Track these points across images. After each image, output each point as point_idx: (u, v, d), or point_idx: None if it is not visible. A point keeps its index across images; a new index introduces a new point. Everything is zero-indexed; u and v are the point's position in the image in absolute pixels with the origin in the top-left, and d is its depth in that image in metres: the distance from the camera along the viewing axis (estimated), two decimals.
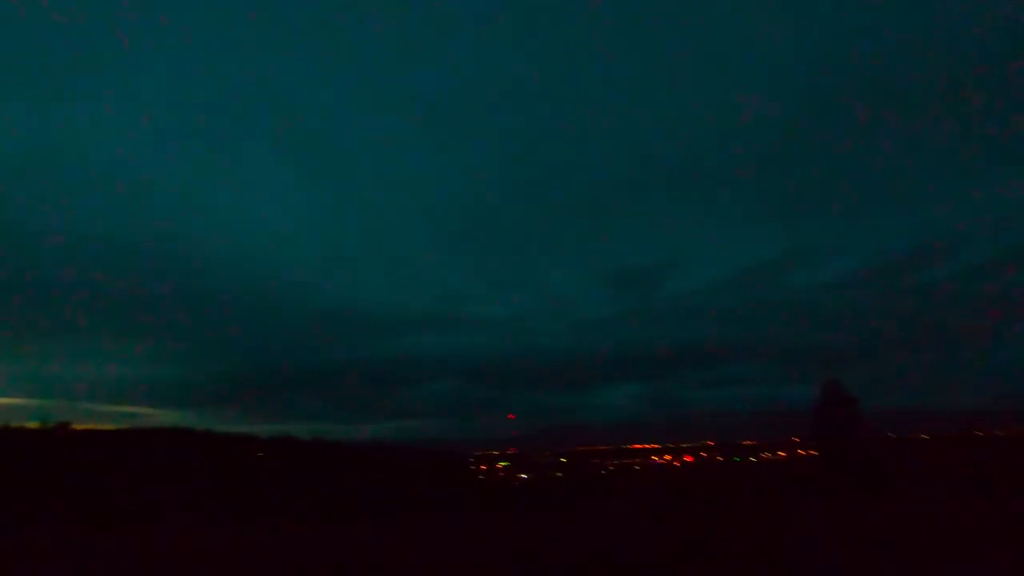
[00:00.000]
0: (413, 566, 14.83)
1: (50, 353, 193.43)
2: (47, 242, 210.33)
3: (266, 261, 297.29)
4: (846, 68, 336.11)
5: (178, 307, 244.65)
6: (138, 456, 41.17)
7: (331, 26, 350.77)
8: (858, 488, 35.60)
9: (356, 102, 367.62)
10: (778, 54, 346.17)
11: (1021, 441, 75.10)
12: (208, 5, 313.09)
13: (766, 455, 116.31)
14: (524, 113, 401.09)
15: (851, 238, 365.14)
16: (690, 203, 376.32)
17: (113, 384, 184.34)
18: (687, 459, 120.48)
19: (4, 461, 35.18)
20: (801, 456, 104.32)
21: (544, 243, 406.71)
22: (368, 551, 18.03)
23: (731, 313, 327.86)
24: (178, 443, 48.54)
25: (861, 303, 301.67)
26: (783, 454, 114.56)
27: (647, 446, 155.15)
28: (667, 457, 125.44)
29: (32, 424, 49.94)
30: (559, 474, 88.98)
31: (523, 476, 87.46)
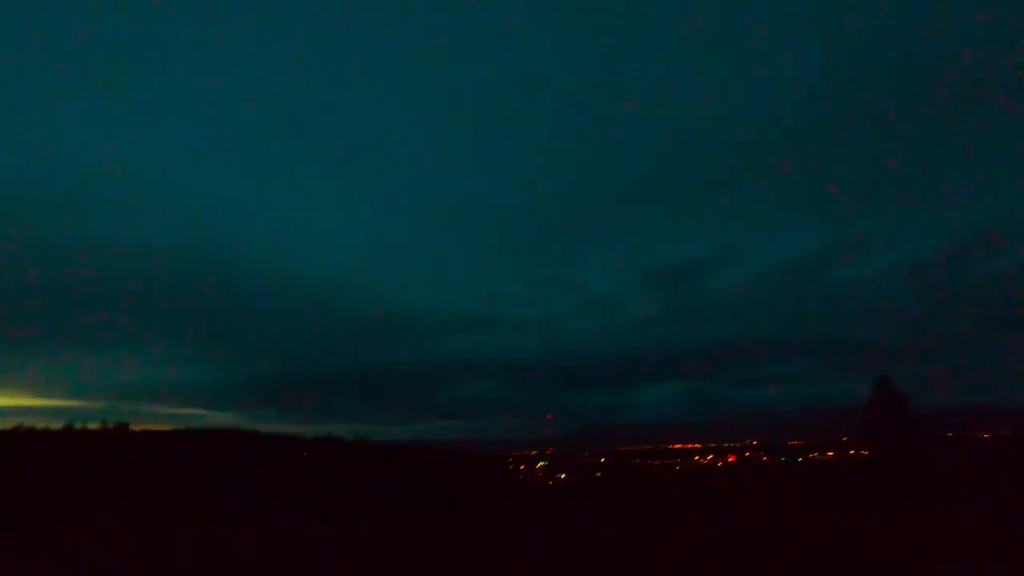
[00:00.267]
0: (464, 564, 14.92)
1: (110, 359, 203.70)
2: (106, 253, 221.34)
3: (310, 267, 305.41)
4: (888, 59, 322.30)
5: (228, 313, 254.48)
6: (191, 455, 42.81)
7: (371, 37, 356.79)
8: (911, 491, 34.05)
9: (396, 108, 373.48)
10: (819, 45, 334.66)
11: None
12: (251, 20, 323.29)
13: (814, 455, 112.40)
14: (559, 113, 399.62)
15: (900, 230, 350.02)
16: (730, 198, 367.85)
17: (168, 387, 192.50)
18: (731, 459, 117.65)
19: (70, 459, 37.13)
20: (851, 457, 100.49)
21: (581, 243, 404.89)
22: (417, 548, 18.25)
23: (775, 309, 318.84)
24: (228, 443, 50.39)
25: (914, 296, 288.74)
26: (832, 454, 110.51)
27: (689, 446, 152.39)
28: (710, 457, 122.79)
29: (94, 425, 52.85)
30: (598, 474, 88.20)
31: (562, 476, 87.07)
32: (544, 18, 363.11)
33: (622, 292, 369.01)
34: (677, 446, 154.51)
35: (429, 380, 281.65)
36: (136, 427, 52.65)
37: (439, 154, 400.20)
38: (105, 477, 36.94)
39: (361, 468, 53.90)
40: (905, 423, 44.10)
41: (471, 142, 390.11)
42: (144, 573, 15.24)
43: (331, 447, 61.59)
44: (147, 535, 24.50)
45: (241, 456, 45.96)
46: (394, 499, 42.40)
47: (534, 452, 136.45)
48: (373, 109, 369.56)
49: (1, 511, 29.69)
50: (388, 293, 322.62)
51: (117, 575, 15.11)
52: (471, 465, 75.88)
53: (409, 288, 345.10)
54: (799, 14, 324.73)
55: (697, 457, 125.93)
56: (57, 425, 49.04)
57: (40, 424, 49.27)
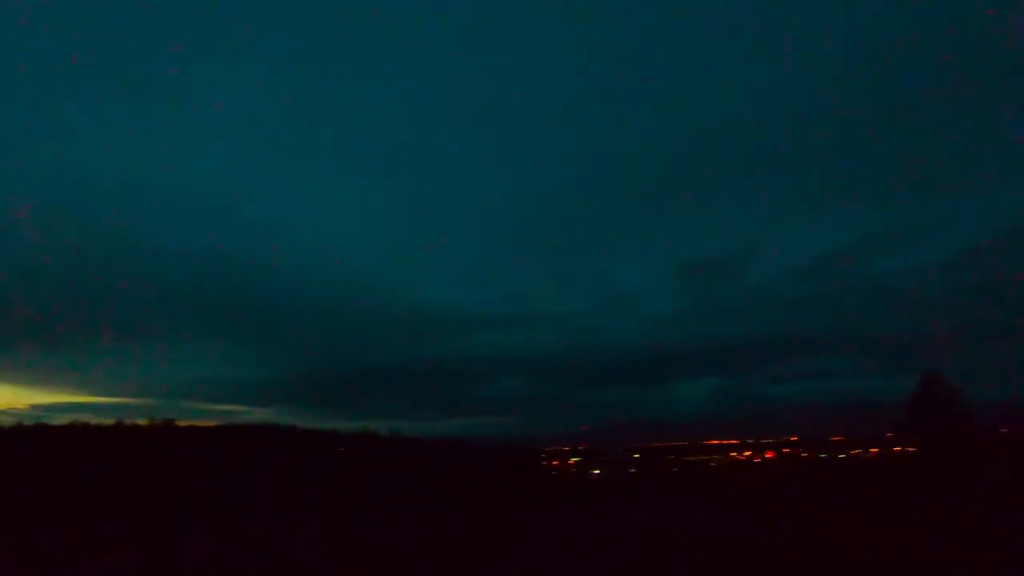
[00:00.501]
0: (513, 558, 15.06)
1: (158, 357, 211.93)
2: (155, 261, 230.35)
3: (345, 268, 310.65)
4: (936, 41, 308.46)
5: (267, 315, 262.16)
6: (233, 449, 44.16)
7: (393, 42, 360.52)
8: (959, 490, 32.74)
9: (420, 109, 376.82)
10: (859, 31, 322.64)
11: None
12: (282, 27, 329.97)
13: (856, 452, 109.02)
14: (587, 108, 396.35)
15: (947, 219, 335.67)
16: (764, 190, 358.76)
17: (211, 385, 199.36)
18: (768, 455, 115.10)
19: (120, 453, 38.78)
20: (896, 454, 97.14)
21: (610, 238, 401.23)
22: (461, 543, 18.48)
23: (813, 302, 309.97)
24: (268, 438, 51.90)
25: (962, 287, 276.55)
26: (876, 451, 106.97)
27: (725, 442, 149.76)
28: (747, 453, 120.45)
29: (143, 421, 55.18)
30: (633, 470, 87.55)
31: (596, 472, 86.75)
32: (569, 11, 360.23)
33: (652, 287, 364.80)
34: (713, 442, 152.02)
35: (462, 377, 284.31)
36: (181, 423, 54.92)
37: (467, 154, 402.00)
38: (152, 470, 38.55)
39: (395, 463, 54.74)
40: (954, 418, 42.37)
41: (498, 141, 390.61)
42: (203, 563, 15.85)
43: (366, 442, 62.78)
44: (197, 528, 25.44)
45: (279, 451, 47.33)
46: (428, 495, 42.90)
47: (567, 448, 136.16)
48: (401, 112, 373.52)
49: (60, 502, 31.26)
50: (421, 292, 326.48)
51: (176, 567, 15.76)
52: (505, 461, 76.23)
53: (441, 287, 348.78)
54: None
55: (733, 453, 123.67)
56: (109, 421, 51.65)
57: (94, 420, 51.91)
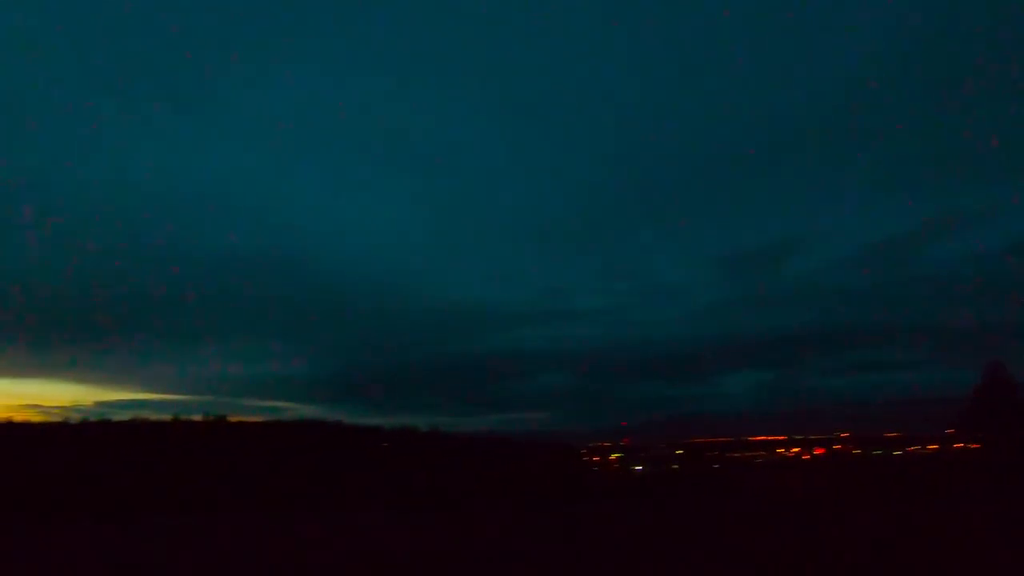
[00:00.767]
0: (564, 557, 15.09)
1: (210, 356, 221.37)
2: (204, 262, 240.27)
3: (385, 266, 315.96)
4: (992, 17, 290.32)
5: (312, 313, 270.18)
6: (281, 444, 45.71)
7: (427, 40, 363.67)
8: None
9: (454, 102, 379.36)
10: (912, 5, 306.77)
11: None
12: (312, 34, 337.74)
13: (914, 448, 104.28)
14: (624, 98, 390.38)
15: (1009, 204, 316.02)
16: (812, 176, 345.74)
17: (260, 382, 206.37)
18: (818, 452, 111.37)
19: (175, 448, 40.68)
20: (957, 450, 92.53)
21: (649, 228, 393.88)
22: (507, 539, 18.62)
23: (866, 292, 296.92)
24: (314, 433, 53.52)
25: None
26: (935, 447, 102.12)
27: (771, 438, 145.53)
28: (795, 450, 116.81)
29: (197, 417, 57.66)
30: (675, 467, 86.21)
31: (638, 468, 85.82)
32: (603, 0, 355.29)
33: (695, 279, 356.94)
34: (758, 438, 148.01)
35: (502, 372, 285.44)
36: (232, 418, 57.17)
37: (504, 148, 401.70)
38: (206, 464, 40.37)
39: (438, 458, 55.52)
40: (1019, 412, 40.06)
41: (536, 134, 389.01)
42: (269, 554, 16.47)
43: (408, 438, 63.93)
44: (255, 518, 26.44)
45: (324, 445, 48.73)
46: (470, 490, 43.32)
47: (608, 443, 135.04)
48: (436, 106, 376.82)
49: (122, 494, 33.01)
50: (460, 288, 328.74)
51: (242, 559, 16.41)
52: (545, 456, 76.31)
53: (481, 283, 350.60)
54: None
55: (781, 450, 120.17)
56: (167, 417, 54.24)
57: (153, 416, 54.64)
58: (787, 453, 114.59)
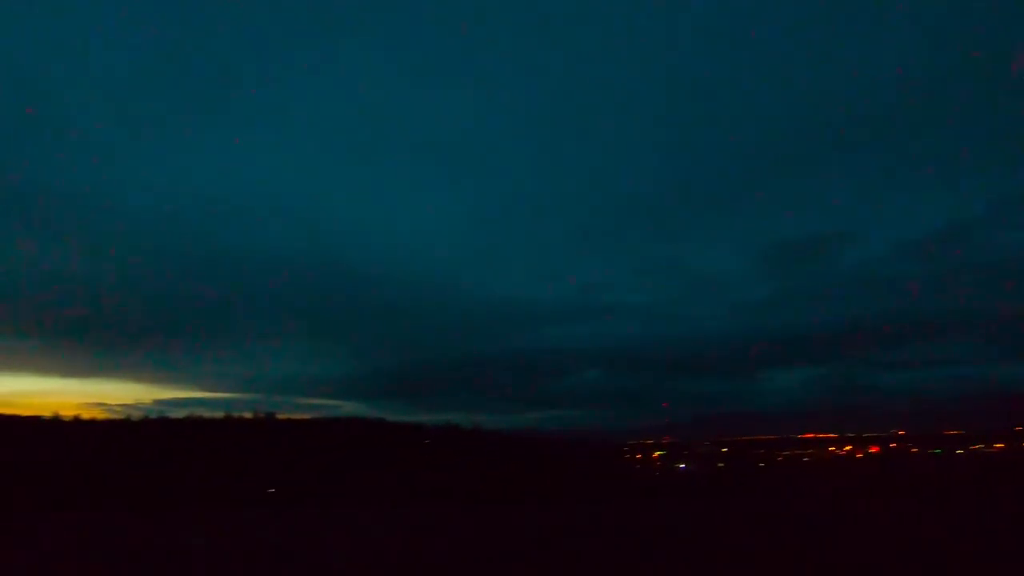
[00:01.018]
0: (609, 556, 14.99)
1: (260, 356, 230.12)
2: (253, 265, 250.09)
3: (424, 264, 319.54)
4: None
5: (355, 313, 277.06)
6: (326, 440, 46.93)
7: (463, 38, 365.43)
8: None
9: (490, 100, 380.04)
10: None
11: None
12: (356, 37, 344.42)
13: (977, 447, 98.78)
14: (662, 86, 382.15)
15: None
16: (863, 162, 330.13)
17: (306, 381, 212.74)
18: (873, 451, 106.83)
19: (228, 443, 42.28)
20: None
21: (691, 222, 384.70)
22: (551, 535, 18.61)
23: (924, 282, 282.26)
24: (358, 430, 54.74)
25: None
26: (1001, 445, 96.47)
27: (822, 436, 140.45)
28: (847, 448, 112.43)
29: (248, 414, 59.91)
30: (720, 465, 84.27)
31: (681, 467, 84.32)
32: None
33: (739, 272, 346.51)
34: (808, 436, 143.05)
35: (543, 370, 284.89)
36: (281, 416, 59.24)
37: (538, 144, 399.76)
38: (257, 458, 41.88)
39: (479, 455, 55.92)
40: None
41: (570, 128, 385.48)
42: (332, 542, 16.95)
43: (450, 435, 64.61)
44: (306, 510, 27.23)
45: (369, 442, 49.78)
46: (515, 486, 43.45)
47: (650, 441, 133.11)
48: (473, 104, 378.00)
49: (180, 486, 34.56)
50: (499, 287, 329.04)
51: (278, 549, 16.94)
52: (587, 453, 75.85)
53: (520, 280, 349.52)
54: None
55: (832, 448, 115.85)
56: (220, 414, 56.55)
57: (207, 413, 57.07)
58: (839, 452, 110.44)
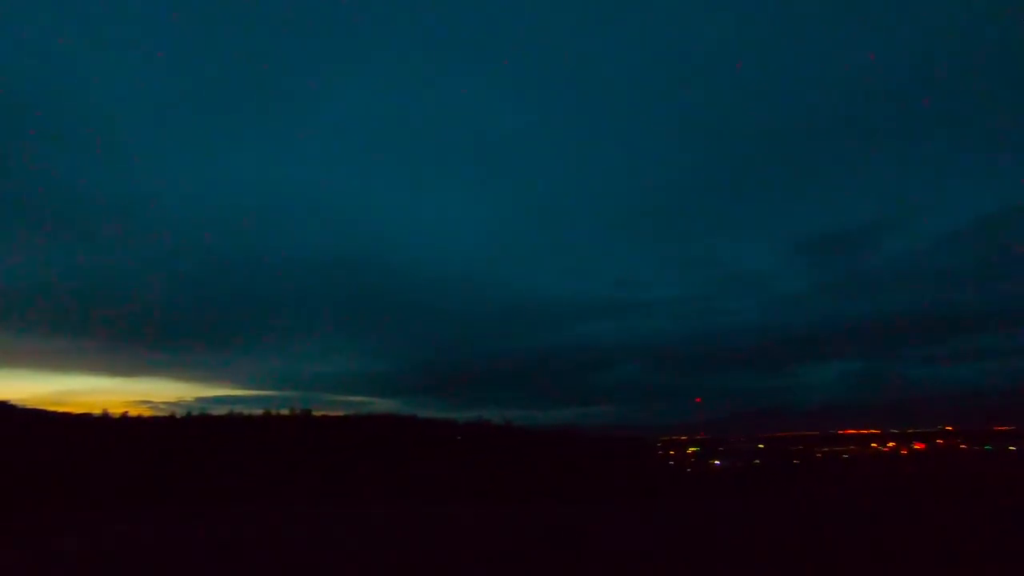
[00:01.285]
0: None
1: (296, 354, 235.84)
2: (288, 266, 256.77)
3: (456, 262, 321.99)
4: None
5: (388, 312, 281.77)
6: (360, 436, 47.65)
7: (497, 35, 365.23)
8: None
9: (521, 94, 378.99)
10: None
11: None
12: (389, 43, 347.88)
13: None
14: (697, 73, 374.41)
15: None
16: (906, 149, 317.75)
17: (341, 378, 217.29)
18: (918, 447, 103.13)
19: (265, 438, 43.28)
20: None
21: (727, 214, 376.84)
22: (581, 532, 18.46)
23: (968, 273, 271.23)
24: (391, 426, 55.42)
25: None
26: None
27: (863, 431, 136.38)
28: (891, 444, 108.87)
29: (285, 411, 61.37)
30: (757, 461, 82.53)
31: (716, 463, 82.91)
32: None
33: (776, 265, 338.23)
34: (849, 431, 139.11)
35: (575, 366, 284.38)
36: (317, 412, 60.59)
37: (571, 138, 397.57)
38: (294, 454, 42.87)
39: (511, 452, 55.94)
40: None
41: (602, 119, 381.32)
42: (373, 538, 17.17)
43: (481, 431, 64.84)
44: (338, 504, 27.65)
45: (401, 437, 50.41)
46: (547, 483, 43.32)
47: (684, 437, 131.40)
48: (506, 104, 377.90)
49: (217, 481, 35.53)
50: (532, 283, 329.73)
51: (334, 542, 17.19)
52: (620, 450, 75.17)
53: (553, 276, 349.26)
54: None
55: (875, 444, 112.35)
56: (258, 411, 58.12)
57: (246, 410, 58.71)
58: (882, 448, 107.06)
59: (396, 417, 67.12)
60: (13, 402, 62.97)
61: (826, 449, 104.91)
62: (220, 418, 57.75)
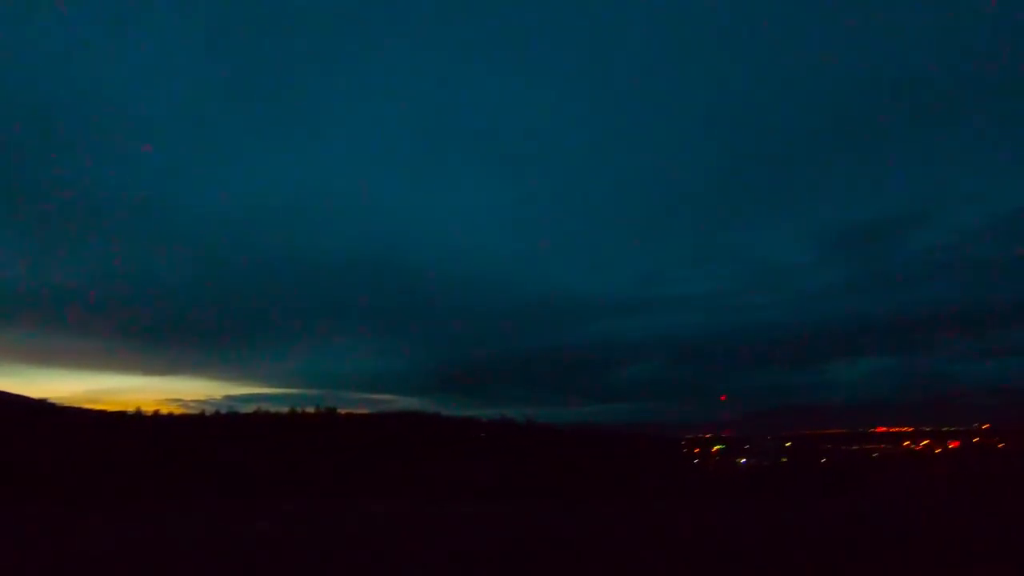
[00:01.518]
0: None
1: (321, 353, 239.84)
2: (314, 267, 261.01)
3: (479, 261, 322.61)
4: None
5: (412, 310, 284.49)
6: (385, 434, 48.09)
7: (515, 33, 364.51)
8: None
9: (542, 94, 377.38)
10: None
11: None
12: (403, 39, 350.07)
13: None
14: (721, 62, 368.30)
15: None
16: (939, 137, 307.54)
17: (365, 377, 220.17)
18: (953, 445, 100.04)
19: (292, 436, 44.00)
20: None
21: (749, 207, 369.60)
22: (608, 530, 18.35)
23: (1004, 266, 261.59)
24: (415, 424, 55.87)
25: None
26: None
27: (896, 429, 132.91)
28: (924, 443, 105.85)
29: (311, 409, 62.35)
30: (784, 460, 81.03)
31: (742, 461, 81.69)
32: None
33: (803, 258, 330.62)
34: (880, 430, 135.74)
35: (599, 363, 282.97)
36: (342, 411, 61.46)
37: (593, 133, 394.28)
38: (319, 450, 43.52)
39: (533, 449, 55.91)
40: None
41: (624, 112, 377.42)
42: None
43: (504, 429, 64.95)
44: (342, 501, 27.96)
45: (425, 435, 50.76)
46: (574, 480, 43.20)
47: (709, 435, 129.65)
48: (524, 100, 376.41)
49: (246, 476, 36.25)
50: (555, 280, 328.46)
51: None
52: (644, 447, 74.59)
53: (576, 273, 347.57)
54: None
55: (907, 443, 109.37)
56: (284, 409, 59.21)
57: (273, 408, 59.86)
58: (914, 446, 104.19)
59: (420, 415, 67.74)
60: (52, 400, 65.31)
61: (856, 447, 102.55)
62: (248, 416, 59.06)
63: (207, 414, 62.18)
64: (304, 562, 12.94)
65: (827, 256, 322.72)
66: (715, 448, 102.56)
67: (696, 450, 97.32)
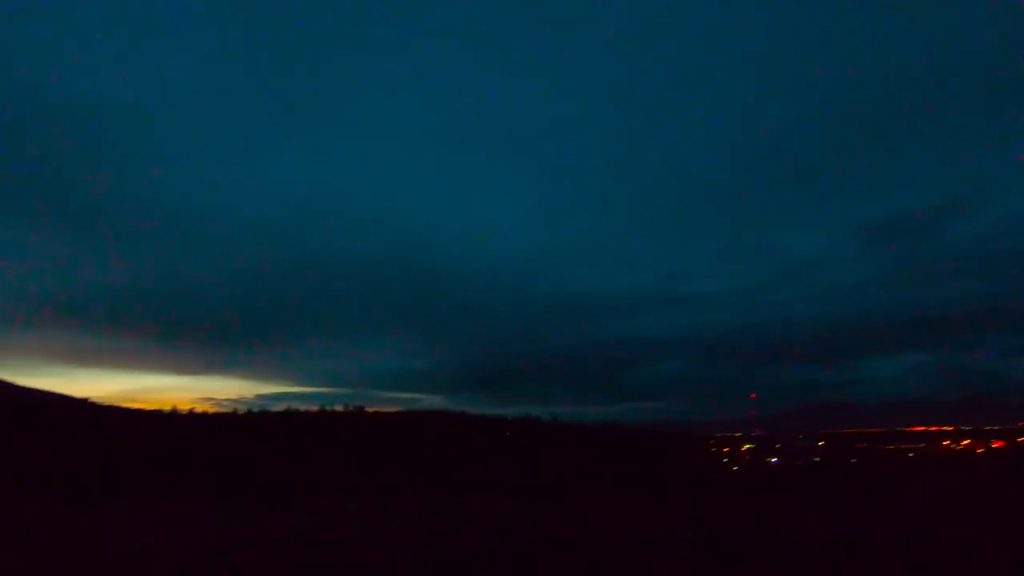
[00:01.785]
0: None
1: (350, 352, 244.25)
2: (342, 267, 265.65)
3: (504, 261, 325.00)
4: None
5: (439, 311, 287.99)
6: (412, 432, 48.75)
7: (537, 33, 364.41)
8: None
9: (568, 86, 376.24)
10: None
11: None
12: (425, 40, 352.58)
13: None
14: (747, 57, 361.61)
15: None
16: (972, 131, 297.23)
17: (393, 376, 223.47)
18: (996, 445, 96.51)
19: (321, 434, 44.92)
20: None
21: (778, 200, 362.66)
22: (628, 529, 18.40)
23: None
24: (442, 423, 56.50)
25: None
26: None
27: (934, 428, 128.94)
28: (965, 442, 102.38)
29: (339, 407, 63.62)
30: (817, 459, 79.33)
31: (772, 461, 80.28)
32: None
33: (833, 253, 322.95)
34: (918, 428, 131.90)
35: (625, 361, 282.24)
36: (369, 409, 62.58)
37: (617, 128, 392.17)
38: (347, 448, 44.37)
39: (560, 448, 56.00)
40: None
41: (649, 107, 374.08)
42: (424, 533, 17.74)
43: (529, 427, 65.22)
44: (368, 500, 28.45)
45: (451, 434, 51.27)
46: (597, 479, 43.18)
47: (738, 434, 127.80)
48: (550, 100, 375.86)
49: (273, 475, 37.17)
50: (581, 278, 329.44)
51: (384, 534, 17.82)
52: (671, 446, 74.01)
53: (602, 271, 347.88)
54: None
55: (947, 442, 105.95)
56: (314, 407, 60.64)
57: (303, 407, 61.38)
58: (954, 446, 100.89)
59: (446, 413, 68.52)
60: (93, 399, 68.10)
61: (892, 447, 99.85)
62: (278, 414, 60.67)
63: (239, 412, 64.11)
64: (344, 560, 13.31)
65: (859, 250, 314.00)
66: (744, 447, 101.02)
67: (725, 449, 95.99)
